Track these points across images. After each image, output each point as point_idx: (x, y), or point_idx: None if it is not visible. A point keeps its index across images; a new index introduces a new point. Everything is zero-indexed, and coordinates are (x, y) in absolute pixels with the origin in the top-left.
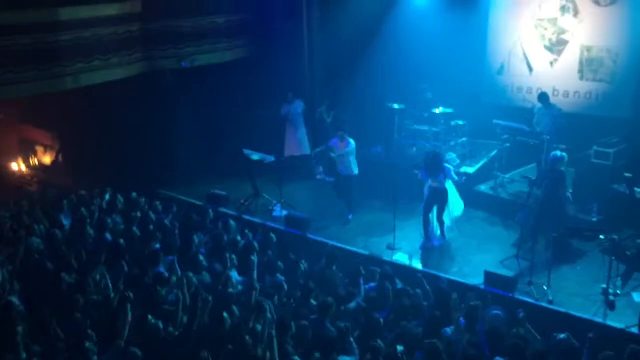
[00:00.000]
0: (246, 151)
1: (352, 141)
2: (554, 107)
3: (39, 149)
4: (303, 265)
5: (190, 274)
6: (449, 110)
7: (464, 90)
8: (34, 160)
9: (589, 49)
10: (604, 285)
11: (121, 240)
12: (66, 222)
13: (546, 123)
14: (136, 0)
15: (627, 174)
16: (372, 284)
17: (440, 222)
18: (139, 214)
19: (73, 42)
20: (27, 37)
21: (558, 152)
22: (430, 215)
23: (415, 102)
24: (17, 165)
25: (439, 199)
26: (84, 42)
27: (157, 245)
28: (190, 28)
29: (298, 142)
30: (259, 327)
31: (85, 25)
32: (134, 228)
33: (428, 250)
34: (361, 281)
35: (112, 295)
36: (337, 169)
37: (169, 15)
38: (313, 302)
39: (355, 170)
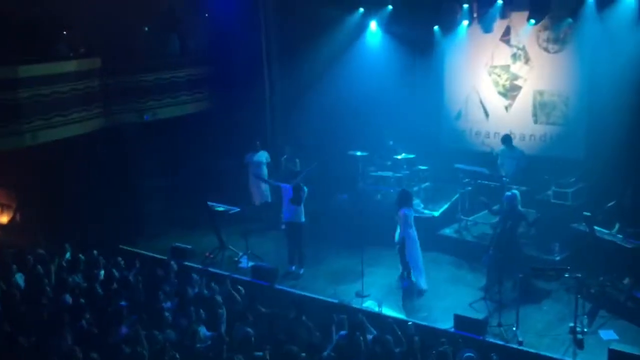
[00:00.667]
0: (210, 203)
1: (305, 189)
2: (515, 149)
3: None
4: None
5: (156, 332)
6: (411, 155)
7: (424, 136)
8: None
9: (541, 93)
10: (572, 324)
11: (82, 300)
12: (23, 283)
13: (509, 165)
14: (96, 56)
15: (586, 213)
16: (343, 332)
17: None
18: (101, 271)
19: (32, 100)
20: None
21: (509, 192)
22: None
23: (377, 149)
24: None
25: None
26: (43, 99)
27: (123, 303)
28: (151, 82)
29: (261, 192)
30: None
31: (45, 83)
32: (96, 286)
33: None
34: (333, 329)
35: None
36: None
37: (129, 71)
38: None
39: (302, 219)
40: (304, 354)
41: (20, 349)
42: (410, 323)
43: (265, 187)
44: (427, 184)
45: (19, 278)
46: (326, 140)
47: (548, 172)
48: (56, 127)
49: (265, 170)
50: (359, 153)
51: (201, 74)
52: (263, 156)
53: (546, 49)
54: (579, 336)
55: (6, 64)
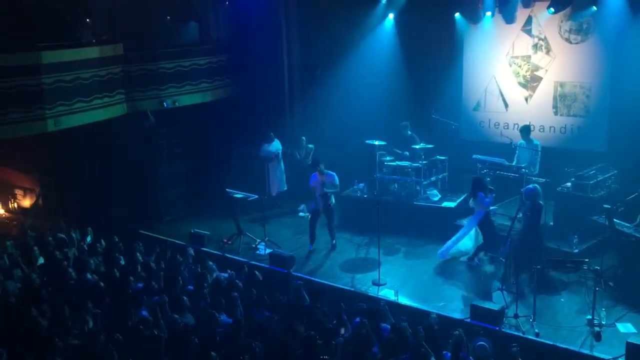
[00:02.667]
0: (229, 190)
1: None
2: (532, 141)
3: (19, 192)
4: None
5: (176, 316)
6: (429, 146)
7: (443, 127)
8: (13, 204)
9: (562, 84)
10: (589, 317)
11: (101, 283)
12: (45, 265)
13: (526, 156)
14: (118, 43)
15: (606, 206)
16: (357, 320)
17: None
18: (120, 256)
19: (55, 85)
20: (10, 80)
21: (531, 186)
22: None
23: (395, 138)
24: None
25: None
26: (66, 85)
27: (140, 285)
28: (172, 70)
29: (278, 181)
30: None
31: (68, 69)
32: (115, 270)
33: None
34: (344, 317)
35: (96, 339)
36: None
37: (151, 58)
38: (300, 338)
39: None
40: (320, 340)
41: (41, 330)
42: (434, 315)
43: (281, 176)
44: (444, 174)
45: (41, 261)
46: (344, 128)
47: (568, 164)
48: (78, 113)
49: (280, 160)
50: (376, 142)
51: (221, 62)
52: (277, 146)
53: (568, 40)
54: (597, 329)
55: (30, 50)
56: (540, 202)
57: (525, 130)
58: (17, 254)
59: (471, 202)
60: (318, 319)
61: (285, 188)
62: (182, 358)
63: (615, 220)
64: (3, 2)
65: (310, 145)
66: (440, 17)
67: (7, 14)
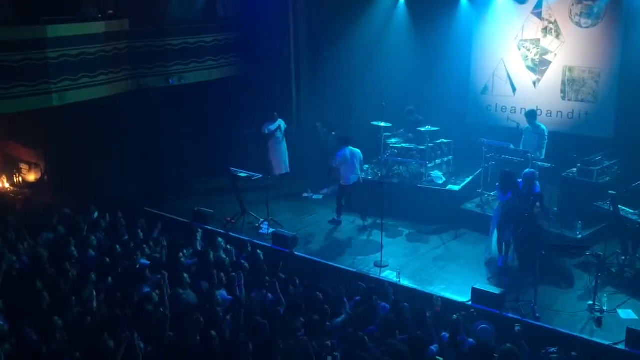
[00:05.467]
0: (233, 169)
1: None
2: (538, 126)
3: (24, 167)
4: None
5: (180, 291)
6: (435, 128)
7: (449, 110)
8: (18, 178)
9: (571, 69)
10: (591, 302)
11: (107, 259)
12: (47, 240)
13: (532, 141)
14: (124, 18)
15: (611, 192)
16: (357, 298)
17: (508, 243)
18: (124, 231)
19: (60, 60)
20: (15, 54)
21: (528, 170)
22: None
23: (401, 120)
24: (1, 183)
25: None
26: (72, 59)
27: (143, 261)
28: (178, 47)
29: (279, 161)
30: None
31: (73, 43)
32: (118, 246)
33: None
34: (345, 299)
35: (98, 312)
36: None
37: (157, 34)
38: (301, 319)
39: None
40: (318, 318)
41: (45, 304)
42: (437, 297)
43: (284, 157)
44: (449, 157)
45: (48, 236)
46: (350, 109)
47: (574, 150)
48: (83, 88)
49: (283, 140)
50: (382, 124)
51: (228, 40)
52: (282, 126)
53: (578, 24)
54: (598, 314)
55: (35, 24)
56: (537, 188)
57: (531, 114)
58: (22, 228)
59: (501, 197)
60: (317, 299)
61: (288, 170)
62: (185, 335)
63: (620, 206)
64: None
65: (325, 129)
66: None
67: None
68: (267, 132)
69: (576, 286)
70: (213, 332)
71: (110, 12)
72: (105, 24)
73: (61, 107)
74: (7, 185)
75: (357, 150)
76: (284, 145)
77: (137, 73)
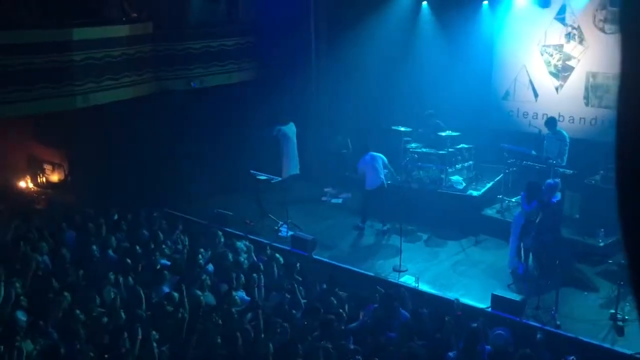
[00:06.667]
0: (253, 172)
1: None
2: (559, 132)
3: (48, 167)
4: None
5: (199, 293)
6: (455, 133)
7: (470, 115)
8: (42, 179)
9: (594, 75)
10: (613, 311)
11: (128, 260)
12: (72, 240)
13: (554, 148)
14: (148, 21)
15: None
16: (375, 305)
17: (529, 250)
18: (145, 232)
19: (85, 62)
20: (40, 56)
21: (551, 181)
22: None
23: (421, 125)
24: (25, 183)
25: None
26: (96, 62)
27: (164, 262)
28: (200, 50)
29: (290, 164)
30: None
31: (98, 46)
32: (138, 247)
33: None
34: (366, 303)
35: (119, 313)
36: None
37: (180, 38)
38: (317, 321)
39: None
40: (336, 323)
41: (64, 304)
42: (457, 302)
43: (294, 159)
44: (470, 162)
45: (69, 236)
46: (370, 114)
47: (597, 157)
48: (107, 90)
49: (294, 143)
50: (402, 128)
51: (249, 43)
52: (292, 128)
53: (602, 29)
54: (620, 323)
55: (61, 27)
56: (554, 199)
57: (551, 122)
58: (45, 228)
59: (525, 206)
60: (334, 303)
61: (298, 172)
62: (204, 337)
63: None
64: None
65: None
66: (470, 4)
67: None
68: (276, 133)
69: (598, 294)
70: (237, 334)
71: (135, 15)
72: (129, 27)
73: (85, 109)
74: (31, 185)
75: (378, 154)
76: (289, 148)
77: (160, 76)
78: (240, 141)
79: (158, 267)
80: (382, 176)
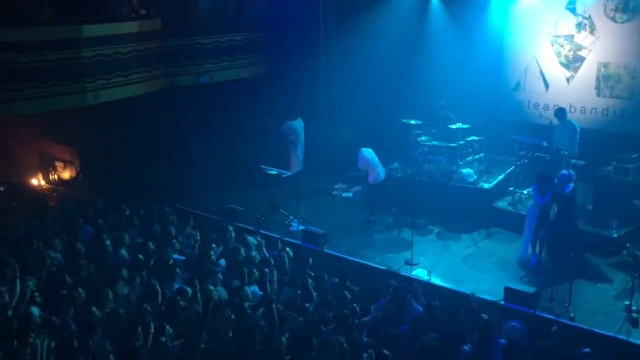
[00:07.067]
0: (263, 167)
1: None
2: (570, 123)
3: (59, 164)
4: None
5: (211, 287)
6: (465, 126)
7: (480, 107)
8: (53, 176)
9: (605, 65)
10: (627, 302)
11: (140, 256)
12: (85, 236)
13: (564, 139)
14: (156, 18)
15: None
16: (388, 298)
17: (542, 242)
18: (157, 228)
19: (95, 59)
20: (51, 53)
21: (565, 171)
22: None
23: (432, 118)
24: (37, 180)
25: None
26: (106, 59)
27: (176, 256)
28: (209, 45)
29: (297, 160)
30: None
31: (107, 43)
32: (150, 243)
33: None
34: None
35: (132, 308)
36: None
37: (188, 33)
38: (330, 314)
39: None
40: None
41: (78, 299)
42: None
43: (300, 155)
44: (481, 154)
45: (81, 233)
46: (379, 107)
47: (609, 147)
48: (117, 87)
49: (302, 138)
50: (412, 121)
51: (258, 39)
52: (300, 124)
53: (613, 19)
54: (634, 315)
55: (71, 24)
56: (571, 186)
57: (561, 112)
58: (58, 225)
59: (538, 199)
60: (346, 298)
61: (301, 168)
62: (216, 331)
63: None
64: None
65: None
66: None
67: None
68: (285, 129)
69: (612, 286)
70: (251, 329)
71: (143, 11)
72: (138, 23)
73: (96, 106)
74: (43, 182)
75: (369, 149)
76: (303, 142)
77: (170, 71)
78: (250, 136)
79: (170, 262)
80: (383, 169)
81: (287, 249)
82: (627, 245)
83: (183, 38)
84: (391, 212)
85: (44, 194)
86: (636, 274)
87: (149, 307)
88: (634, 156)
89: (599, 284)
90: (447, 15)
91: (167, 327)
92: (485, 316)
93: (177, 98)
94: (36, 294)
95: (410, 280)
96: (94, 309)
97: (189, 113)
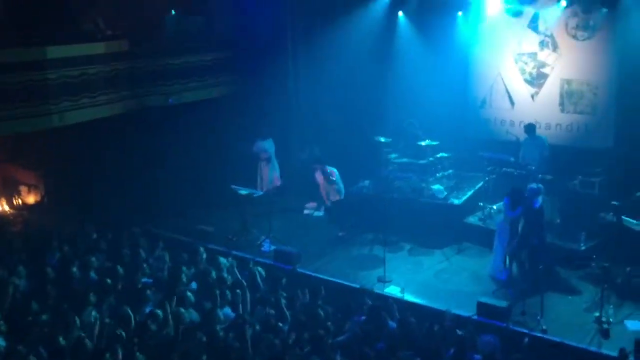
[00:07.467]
0: (234, 186)
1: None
2: (539, 138)
3: (23, 188)
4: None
5: (182, 310)
6: (434, 143)
7: (448, 124)
8: (17, 201)
9: (569, 82)
10: (597, 314)
11: (108, 280)
12: (50, 262)
13: (532, 154)
14: (123, 39)
15: (614, 202)
16: (363, 317)
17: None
18: (126, 251)
19: (60, 81)
20: (15, 75)
21: (534, 185)
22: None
23: (401, 135)
24: (1, 206)
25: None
26: (72, 80)
27: (145, 280)
28: (178, 66)
29: (271, 177)
30: None
31: (73, 64)
32: (119, 267)
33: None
34: (352, 315)
35: (99, 334)
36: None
37: (157, 54)
38: (305, 335)
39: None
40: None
41: (44, 326)
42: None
43: (273, 173)
44: (450, 171)
45: (52, 256)
46: (350, 125)
47: (574, 162)
48: (83, 109)
49: (273, 157)
50: (382, 139)
51: (227, 58)
52: (271, 143)
53: (575, 37)
54: (605, 326)
55: (35, 45)
56: (536, 203)
57: (530, 128)
58: (22, 251)
59: (509, 212)
60: (319, 317)
61: (279, 184)
62: (188, 355)
63: (623, 217)
64: None
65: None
66: (445, 14)
67: (14, 9)
68: (257, 149)
69: (582, 298)
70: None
71: (109, 32)
72: (104, 44)
73: (61, 128)
74: (6, 208)
75: (334, 168)
76: (275, 162)
77: (137, 92)
78: (221, 156)
79: (139, 286)
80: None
81: (259, 268)
82: (594, 257)
83: (151, 59)
84: (338, 235)
85: (8, 220)
86: (605, 286)
87: (123, 333)
88: (598, 170)
89: (569, 297)
90: (414, 32)
91: (137, 353)
92: (460, 332)
93: (146, 119)
94: (1, 322)
95: (385, 298)
96: (60, 337)
97: (158, 134)
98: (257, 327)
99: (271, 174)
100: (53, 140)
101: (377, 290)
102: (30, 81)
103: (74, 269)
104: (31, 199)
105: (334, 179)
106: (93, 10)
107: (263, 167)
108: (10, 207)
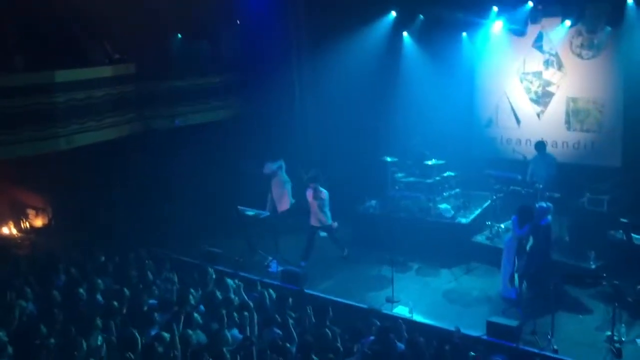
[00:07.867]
0: (241, 208)
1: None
2: (549, 156)
3: (31, 212)
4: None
5: (190, 332)
6: (441, 162)
7: (454, 143)
8: (25, 224)
9: (574, 100)
10: (609, 333)
11: (115, 303)
12: (57, 285)
13: (541, 172)
14: (130, 62)
15: (623, 220)
16: (370, 338)
17: (522, 275)
18: (134, 273)
19: (68, 104)
20: (23, 99)
21: (544, 204)
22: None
23: (407, 155)
24: (9, 229)
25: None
26: (79, 104)
27: (152, 302)
28: (185, 88)
29: (282, 199)
30: None
31: (80, 88)
32: (125, 289)
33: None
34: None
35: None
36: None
37: (162, 77)
38: (314, 358)
39: (329, 221)
40: (333, 358)
41: (51, 350)
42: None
43: (283, 194)
44: (457, 190)
45: (55, 281)
46: (356, 145)
47: (582, 180)
48: (90, 132)
49: (283, 178)
50: (388, 159)
51: (233, 80)
52: (280, 164)
53: (579, 55)
54: (617, 345)
55: (43, 69)
56: (549, 218)
57: (541, 145)
58: (30, 274)
59: (517, 230)
60: (327, 339)
61: (288, 206)
62: None
63: (633, 234)
64: (19, 24)
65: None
66: (450, 32)
67: (23, 34)
68: (267, 171)
69: (593, 317)
70: None
71: (117, 56)
72: (111, 68)
73: (68, 151)
74: (14, 231)
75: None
76: (287, 183)
77: (144, 115)
78: (227, 177)
79: (145, 308)
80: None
81: (270, 290)
82: (604, 275)
83: (158, 81)
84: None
85: (15, 243)
86: (616, 304)
87: (132, 356)
88: (607, 187)
89: (580, 316)
90: (419, 53)
91: None
92: (472, 353)
93: (154, 141)
94: (8, 344)
95: (395, 319)
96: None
97: (164, 156)
98: (264, 349)
99: (281, 195)
100: (60, 163)
101: (385, 311)
102: (39, 104)
103: (81, 291)
104: (39, 222)
105: (323, 197)
106: (101, 34)
107: (273, 188)
108: (18, 230)
